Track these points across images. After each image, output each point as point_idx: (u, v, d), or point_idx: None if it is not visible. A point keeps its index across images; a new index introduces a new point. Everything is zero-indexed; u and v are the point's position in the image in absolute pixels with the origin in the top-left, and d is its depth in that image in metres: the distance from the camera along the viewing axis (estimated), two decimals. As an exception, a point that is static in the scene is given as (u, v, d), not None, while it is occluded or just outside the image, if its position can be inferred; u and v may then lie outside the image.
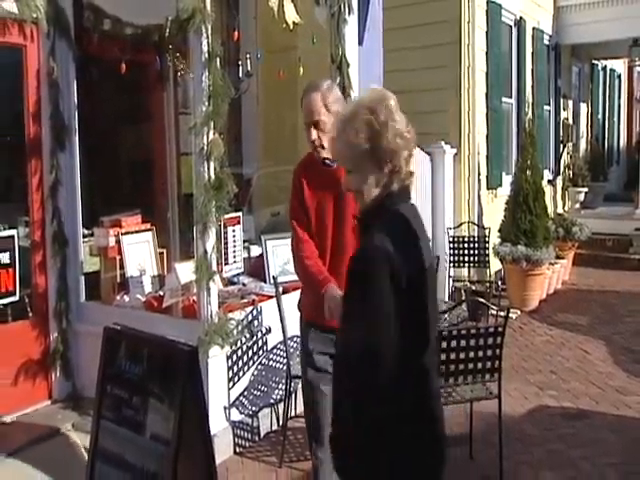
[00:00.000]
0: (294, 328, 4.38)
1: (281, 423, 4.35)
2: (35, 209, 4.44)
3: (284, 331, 4.07)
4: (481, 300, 4.55)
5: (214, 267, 3.97)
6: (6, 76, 4.51)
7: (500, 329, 3.77)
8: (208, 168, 3.96)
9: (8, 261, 4.26)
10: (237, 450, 4.17)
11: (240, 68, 5.42)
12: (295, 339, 4.49)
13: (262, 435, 4.35)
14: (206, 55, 4.01)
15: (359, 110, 2.04)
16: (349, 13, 5.32)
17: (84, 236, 4.62)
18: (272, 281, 4.42)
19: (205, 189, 3.93)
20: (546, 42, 10.64)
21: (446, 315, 4.15)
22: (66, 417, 4.21)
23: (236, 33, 5.30)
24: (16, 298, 4.28)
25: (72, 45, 4.60)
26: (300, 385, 4.22)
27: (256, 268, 4.89)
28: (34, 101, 4.45)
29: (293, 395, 4.21)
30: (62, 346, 4.49)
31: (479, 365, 3.79)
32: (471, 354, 3.76)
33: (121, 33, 5.30)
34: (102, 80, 5.07)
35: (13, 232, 4.32)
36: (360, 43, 5.63)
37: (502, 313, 6.07)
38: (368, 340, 1.93)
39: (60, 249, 4.44)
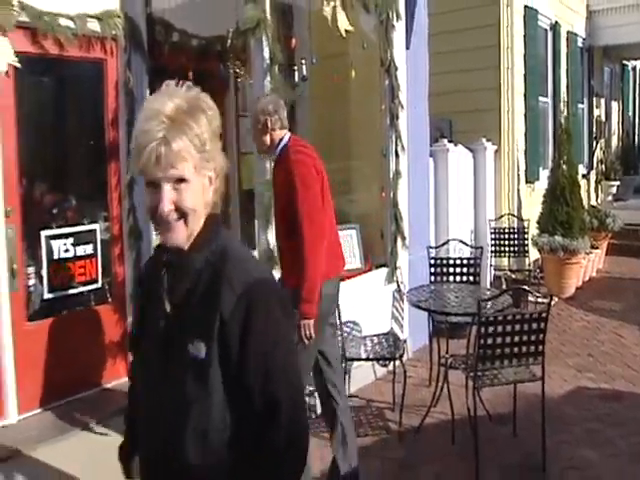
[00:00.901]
0: (348, 313, 4.31)
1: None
2: (114, 206, 4.46)
3: (339, 316, 3.98)
4: (526, 288, 4.37)
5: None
6: (90, 87, 4.55)
7: (544, 315, 3.63)
8: (269, 166, 3.88)
9: (91, 252, 4.31)
10: (296, 426, 4.10)
11: (296, 73, 5.34)
12: (349, 324, 4.41)
13: (318, 413, 4.27)
14: (267, 61, 3.94)
15: None
16: (397, 20, 5.21)
17: (155, 230, 4.57)
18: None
19: (267, 186, 3.86)
20: (580, 44, 10.37)
21: (489, 303, 4.00)
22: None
23: (293, 40, 5.22)
24: (98, 285, 4.33)
25: (145, 57, 4.59)
26: (354, 365, 4.17)
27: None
28: (113, 109, 4.46)
29: (347, 376, 4.11)
30: (137, 329, 4.49)
31: (523, 349, 3.65)
32: (516, 338, 3.62)
33: (188, 44, 5.28)
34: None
35: (95, 226, 4.36)
36: (407, 47, 5.50)
37: (541, 300, 5.95)
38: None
39: (135, 242, 4.44)
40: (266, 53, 3.92)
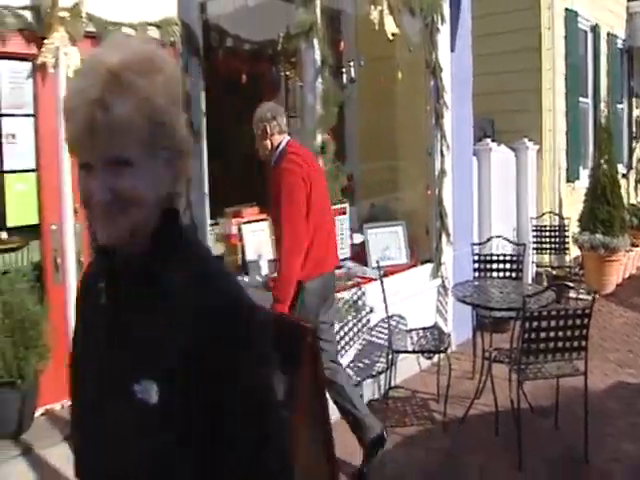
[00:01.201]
0: (395, 307, 4.32)
1: (382, 392, 4.29)
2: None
3: (387, 310, 4.00)
4: (569, 284, 4.31)
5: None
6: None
7: (587, 311, 3.57)
8: (322, 164, 3.91)
9: None
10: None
11: (344, 75, 5.36)
12: (395, 317, 4.42)
13: (365, 402, 4.29)
14: (318, 64, 3.95)
15: None
16: (442, 23, 5.16)
17: (210, 225, 4.68)
18: (374, 265, 4.36)
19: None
20: (619, 45, 10.11)
21: (531, 298, 3.96)
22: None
23: (342, 43, 5.24)
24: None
25: (201, 62, 4.67)
26: (399, 357, 4.18)
27: (358, 254, 4.83)
28: (173, 110, 4.55)
29: (393, 367, 4.12)
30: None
31: (567, 344, 3.60)
32: (559, 334, 3.57)
33: (241, 49, 5.37)
34: (225, 90, 5.13)
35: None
36: (452, 50, 5.45)
37: (582, 296, 5.84)
38: None
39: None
40: (317, 56, 3.94)
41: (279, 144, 3.33)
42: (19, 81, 3.89)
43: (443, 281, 5.01)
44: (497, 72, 7.36)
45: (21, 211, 3.86)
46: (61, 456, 3.44)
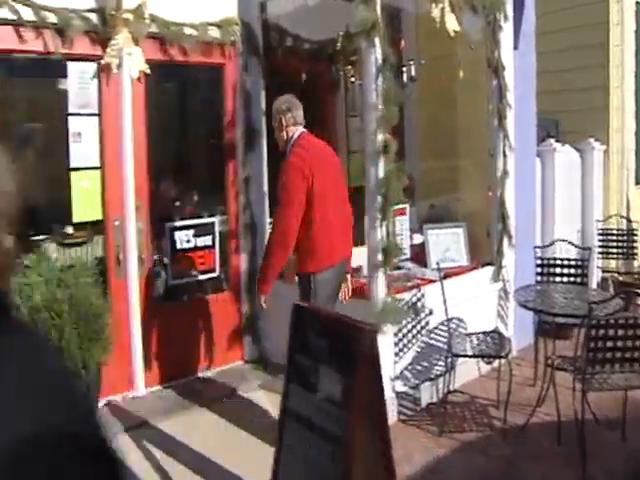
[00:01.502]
0: (454, 310, 4.25)
1: (440, 396, 4.23)
2: (231, 201, 4.64)
3: (446, 312, 3.94)
4: (639, 291, 4.14)
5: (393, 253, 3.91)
6: (210, 90, 4.75)
7: (658, 320, 3.42)
8: (383, 164, 3.88)
9: (210, 243, 4.52)
10: (400, 417, 4.08)
11: (404, 74, 5.31)
12: (454, 320, 4.35)
13: (423, 405, 4.24)
14: (379, 63, 3.92)
15: None
16: (504, 21, 5.05)
17: (269, 224, 4.68)
18: (434, 267, 4.30)
19: (379, 183, 3.86)
20: (695, 40, 9.60)
21: (598, 305, 3.81)
22: (255, 376, 4.37)
23: (402, 42, 5.19)
24: (216, 275, 4.53)
25: (261, 61, 4.73)
26: (458, 361, 4.11)
27: (418, 255, 4.78)
28: (231, 109, 4.63)
29: (452, 371, 4.05)
30: (251, 316, 4.67)
31: (635, 354, 3.46)
32: (628, 343, 3.43)
33: (300, 48, 5.38)
34: (284, 89, 5.16)
35: (214, 219, 4.56)
36: (515, 47, 5.32)
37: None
38: None
39: (250, 235, 4.61)
40: (378, 55, 3.91)
41: (292, 135, 3.47)
42: (85, 81, 4.03)
43: (504, 285, 4.90)
44: (562, 70, 7.13)
45: (86, 207, 3.99)
46: (124, 446, 3.55)
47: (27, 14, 3.63)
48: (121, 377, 4.08)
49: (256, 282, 3.50)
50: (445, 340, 4.14)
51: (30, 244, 3.84)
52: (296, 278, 3.54)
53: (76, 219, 4.00)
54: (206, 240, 4.51)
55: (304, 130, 3.54)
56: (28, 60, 3.89)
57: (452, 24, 4.56)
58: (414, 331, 4.21)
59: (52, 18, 3.71)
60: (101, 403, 3.93)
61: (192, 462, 3.46)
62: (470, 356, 4.06)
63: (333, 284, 3.50)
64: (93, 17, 3.89)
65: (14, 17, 3.59)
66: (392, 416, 4.02)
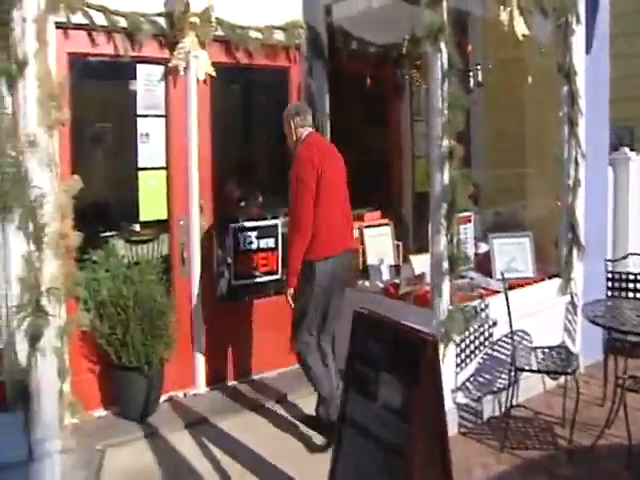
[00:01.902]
0: (519, 322, 4.14)
1: (503, 410, 4.12)
2: (293, 203, 4.66)
3: (511, 324, 3.83)
4: None
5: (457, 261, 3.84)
6: (275, 93, 4.80)
7: None
8: (448, 170, 3.81)
9: (273, 245, 4.59)
10: (461, 430, 4.00)
11: (470, 79, 5.23)
12: (519, 333, 4.24)
13: (484, 419, 4.14)
14: (445, 68, 3.87)
15: None
16: (577, 23, 4.90)
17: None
18: (498, 277, 4.20)
19: (444, 190, 3.80)
20: None
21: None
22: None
23: (469, 46, 5.12)
24: (278, 277, 4.58)
25: (326, 64, 4.75)
26: (522, 376, 4.00)
27: (482, 264, 4.68)
28: (298, 112, 4.65)
29: (515, 385, 3.94)
30: (314, 319, 4.66)
31: None
32: None
33: (365, 51, 5.39)
34: (348, 92, 5.17)
35: (277, 222, 4.61)
36: (587, 52, 5.16)
37: None
38: None
39: (314, 238, 4.61)
40: (444, 59, 3.85)
41: (301, 135, 3.75)
42: (152, 84, 4.15)
43: (572, 298, 4.73)
44: (637, 75, 6.90)
45: (152, 206, 4.10)
46: (184, 442, 3.64)
47: (99, 19, 3.76)
48: (183, 374, 4.17)
49: (285, 276, 3.67)
50: (509, 353, 4.03)
51: (99, 241, 3.97)
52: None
53: (143, 217, 4.12)
54: (269, 242, 4.58)
55: (312, 130, 3.82)
56: (100, 63, 4.03)
57: (521, 28, 4.46)
58: (477, 342, 4.12)
59: (122, 22, 3.84)
60: (162, 398, 4.01)
61: (249, 462, 3.50)
62: (535, 371, 3.94)
63: (334, 275, 3.64)
64: (161, 21, 3.99)
65: (87, 22, 3.73)
66: (452, 428, 3.94)
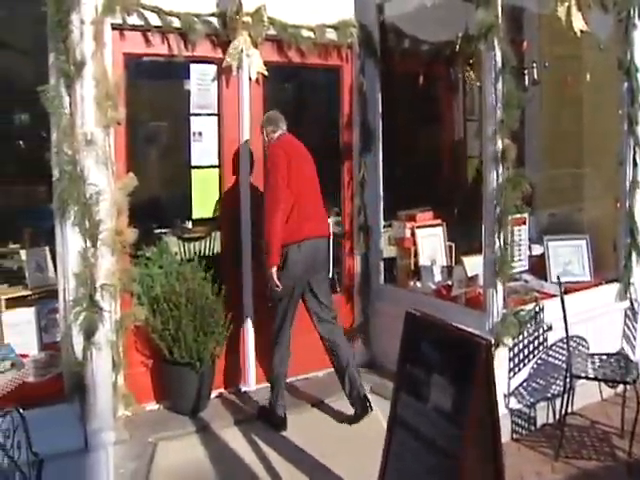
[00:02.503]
0: (575, 328, 4.03)
1: (557, 417, 4.01)
2: (346, 203, 4.70)
3: (567, 329, 3.72)
4: None
5: (509, 264, 3.76)
6: (326, 92, 4.81)
7: None
8: (502, 170, 3.74)
9: None
10: (513, 436, 3.90)
11: (526, 77, 5.11)
12: (575, 339, 4.12)
13: (538, 426, 4.04)
14: (499, 66, 3.79)
15: None
16: (639, 18, 4.73)
17: (383, 227, 4.71)
18: (553, 280, 4.09)
19: (499, 190, 3.72)
20: None
21: None
22: (365, 380, 4.31)
23: (524, 43, 5.01)
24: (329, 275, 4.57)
25: (378, 62, 4.72)
26: (578, 383, 3.88)
27: (537, 267, 4.57)
28: (347, 111, 4.66)
29: (571, 392, 3.83)
30: (363, 319, 4.68)
31: None
32: None
33: (418, 50, 5.32)
34: (401, 91, 5.14)
35: (328, 220, 4.58)
36: (650, 47, 4.98)
37: None
38: None
39: (365, 237, 4.63)
40: (498, 57, 3.78)
41: (272, 137, 4.00)
42: (206, 83, 4.19)
43: (632, 304, 4.57)
44: None
45: (205, 204, 4.15)
46: (233, 438, 3.68)
47: (154, 20, 3.82)
48: (233, 371, 4.22)
49: (265, 256, 3.76)
50: (564, 359, 3.92)
51: (152, 237, 4.05)
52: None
53: (195, 215, 4.18)
54: None
55: (284, 132, 4.03)
56: (154, 63, 4.11)
57: (579, 23, 4.33)
58: (531, 347, 4.02)
59: (176, 23, 3.89)
60: (213, 394, 4.06)
61: (299, 461, 3.51)
62: (592, 378, 3.81)
63: (305, 258, 3.81)
64: (214, 21, 4.03)
65: (142, 23, 3.79)
66: (504, 434, 3.82)
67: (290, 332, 3.89)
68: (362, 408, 3.86)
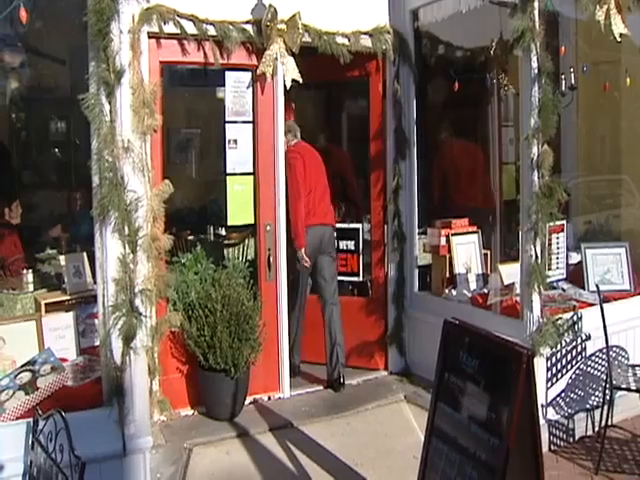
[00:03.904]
0: (615, 338, 3.95)
1: (596, 430, 3.93)
2: (377, 211, 4.70)
3: (606, 339, 3.65)
4: None
5: (544, 272, 3.71)
6: (361, 98, 4.82)
7: None
8: (539, 177, 3.69)
9: (353, 248, 4.73)
10: (552, 448, 3.83)
11: (563, 82, 5.06)
12: (615, 349, 4.04)
13: (576, 438, 3.96)
14: (536, 71, 3.75)
15: None
16: (683, 20, 4.63)
17: (418, 234, 4.71)
18: (592, 289, 4.02)
19: (536, 197, 3.67)
20: None
21: None
22: (399, 389, 4.33)
23: (562, 48, 4.95)
24: (359, 279, 4.73)
25: (413, 69, 4.69)
26: (618, 394, 3.80)
27: (574, 275, 4.50)
28: (381, 118, 4.66)
29: (611, 404, 3.75)
30: (397, 327, 4.65)
31: None
32: None
33: (452, 56, 5.30)
34: (435, 97, 5.13)
35: (359, 226, 4.70)
36: (696, 49, 4.88)
37: None
38: None
39: (399, 245, 4.61)
40: (534, 63, 3.73)
41: (290, 144, 4.52)
42: (241, 90, 4.22)
43: (675, 314, 4.47)
44: None
45: (240, 211, 4.17)
46: (268, 445, 3.69)
47: (190, 28, 3.86)
48: (268, 378, 4.22)
49: (293, 239, 4.31)
50: (603, 369, 3.85)
51: (187, 244, 4.08)
52: None
53: (230, 222, 4.20)
54: (350, 244, 4.76)
55: (299, 140, 4.61)
56: (190, 70, 4.14)
57: (619, 27, 4.27)
58: (569, 357, 3.95)
59: (212, 31, 3.91)
60: (247, 401, 4.07)
61: (333, 469, 3.50)
62: (634, 390, 3.72)
63: (314, 241, 4.46)
64: (249, 28, 4.05)
65: (178, 31, 3.82)
66: (542, 445, 3.79)
67: (303, 301, 4.48)
68: (335, 387, 4.36)
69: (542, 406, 3.80)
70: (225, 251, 4.51)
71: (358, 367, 4.63)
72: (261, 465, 3.52)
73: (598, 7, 4.11)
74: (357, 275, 4.75)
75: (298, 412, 4.03)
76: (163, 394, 3.69)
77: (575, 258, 4.62)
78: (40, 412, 2.60)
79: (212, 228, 4.36)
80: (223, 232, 4.35)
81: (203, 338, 3.76)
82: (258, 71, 4.14)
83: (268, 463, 3.54)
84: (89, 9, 3.09)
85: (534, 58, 3.73)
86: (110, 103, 3.21)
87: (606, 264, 4.46)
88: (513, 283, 4.02)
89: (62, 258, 4.06)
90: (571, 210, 5.04)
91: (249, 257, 4.31)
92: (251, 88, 4.22)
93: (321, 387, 4.42)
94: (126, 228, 3.19)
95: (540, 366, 3.74)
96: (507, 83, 5.28)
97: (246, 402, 4.05)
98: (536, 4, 3.71)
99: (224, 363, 3.74)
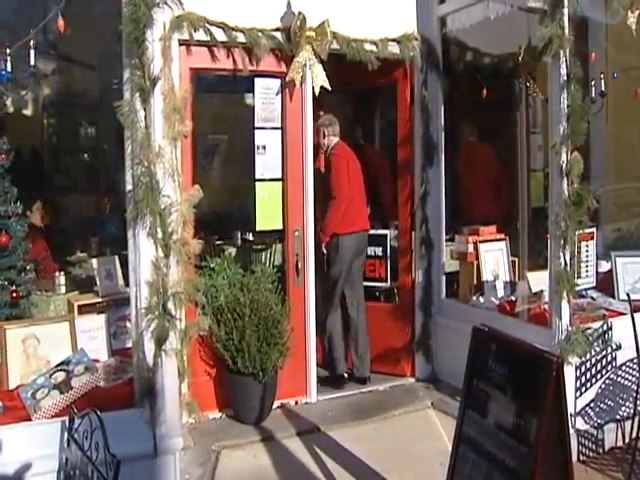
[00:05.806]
0: (645, 348, 3.93)
1: (627, 441, 3.91)
2: (404, 218, 4.75)
3: (637, 349, 3.64)
4: None
5: (573, 280, 3.72)
6: (389, 104, 4.86)
7: None
8: (568, 184, 3.69)
9: (381, 254, 4.79)
10: (580, 458, 3.82)
11: (593, 88, 5.06)
12: (646, 360, 4.02)
13: (606, 449, 3.95)
14: (564, 78, 3.75)
15: None
16: None
17: (446, 241, 4.74)
18: (622, 297, 4.01)
19: (565, 204, 3.67)
20: None
21: None
22: (426, 395, 4.36)
23: (593, 54, 4.96)
24: (386, 285, 4.78)
25: (440, 75, 4.72)
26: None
27: (603, 283, 4.49)
28: (409, 125, 4.69)
29: (642, 417, 3.73)
30: (424, 333, 4.68)
31: None
32: None
33: (480, 62, 5.33)
34: (463, 104, 5.14)
35: (386, 232, 4.75)
36: None
37: None
38: None
39: (426, 251, 4.64)
40: (563, 69, 3.73)
41: (330, 144, 4.63)
42: (270, 97, 4.29)
43: None
44: None
45: (268, 216, 4.24)
46: (295, 449, 3.74)
47: (220, 35, 3.94)
48: (296, 382, 4.27)
49: (320, 233, 4.53)
50: (634, 380, 3.82)
51: (216, 248, 4.15)
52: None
53: (259, 227, 4.26)
54: (377, 250, 4.81)
55: (339, 140, 4.69)
56: (220, 77, 4.21)
57: (653, 31, 4.27)
58: (598, 366, 3.93)
59: (241, 38, 3.99)
60: (275, 405, 4.13)
61: (361, 475, 3.53)
62: (665, 404, 3.71)
63: (355, 245, 4.58)
64: (279, 35, 4.12)
65: (208, 38, 3.91)
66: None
67: (339, 300, 4.60)
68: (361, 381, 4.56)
69: (571, 415, 3.77)
70: (253, 256, 4.58)
71: (385, 373, 4.68)
72: (288, 469, 3.58)
73: (630, 12, 4.11)
74: (384, 281, 4.81)
75: (325, 417, 4.08)
76: (191, 397, 3.76)
77: (604, 266, 4.60)
78: (76, 411, 2.68)
79: (240, 233, 4.44)
80: (251, 237, 4.42)
81: (231, 342, 3.82)
82: (287, 78, 4.20)
83: (295, 467, 3.59)
84: (125, 17, 3.17)
85: (563, 65, 3.73)
86: (145, 109, 3.29)
87: (637, 273, 4.43)
88: (541, 291, 4.03)
89: (94, 261, 4.16)
90: (600, 218, 5.03)
91: (277, 262, 4.38)
92: (280, 95, 4.29)
93: (349, 392, 4.46)
94: (160, 232, 3.27)
95: (569, 375, 3.71)
96: (535, 89, 5.29)
97: (273, 406, 4.10)
98: (565, 10, 3.71)
99: (252, 367, 3.80)
